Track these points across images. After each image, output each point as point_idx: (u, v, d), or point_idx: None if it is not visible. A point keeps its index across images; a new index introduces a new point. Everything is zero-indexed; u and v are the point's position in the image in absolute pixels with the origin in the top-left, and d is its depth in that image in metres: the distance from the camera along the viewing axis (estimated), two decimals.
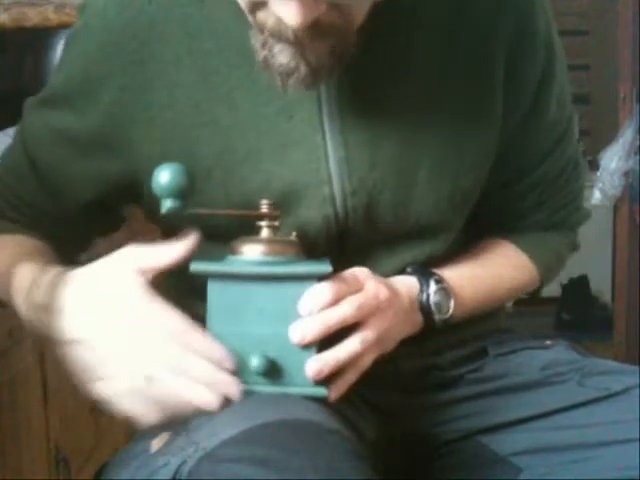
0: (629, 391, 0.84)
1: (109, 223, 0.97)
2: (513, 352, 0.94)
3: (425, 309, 0.84)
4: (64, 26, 2.61)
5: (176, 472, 0.65)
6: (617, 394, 0.84)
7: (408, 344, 0.82)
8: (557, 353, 0.94)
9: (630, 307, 3.38)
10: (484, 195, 0.90)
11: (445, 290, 0.85)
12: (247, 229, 0.76)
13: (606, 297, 4.52)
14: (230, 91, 0.80)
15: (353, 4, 0.70)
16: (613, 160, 3.23)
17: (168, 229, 0.94)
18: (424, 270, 0.86)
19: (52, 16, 2.70)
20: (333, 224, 0.82)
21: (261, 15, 0.70)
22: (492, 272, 0.93)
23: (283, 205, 0.79)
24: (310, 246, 0.78)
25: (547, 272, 0.98)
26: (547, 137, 0.92)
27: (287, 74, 0.71)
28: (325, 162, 0.80)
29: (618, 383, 0.85)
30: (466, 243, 0.94)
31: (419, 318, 0.84)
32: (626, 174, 3.24)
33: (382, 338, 0.75)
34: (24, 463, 1.48)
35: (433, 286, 0.84)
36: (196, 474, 0.63)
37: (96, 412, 1.86)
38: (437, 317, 0.84)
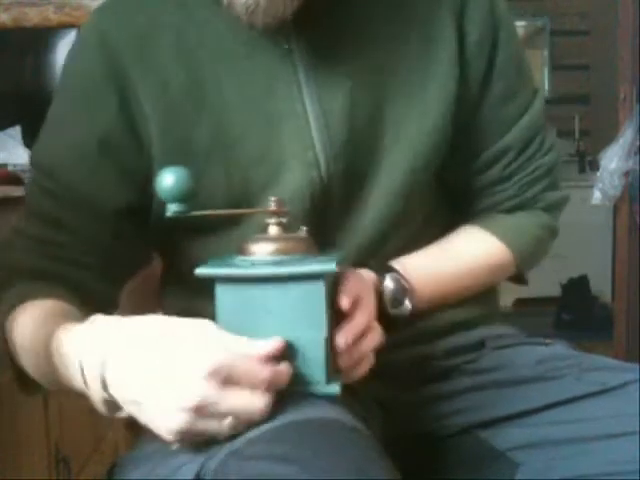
0: (626, 386, 0.84)
1: (137, 254, 0.95)
2: (510, 346, 0.95)
3: (381, 303, 0.85)
4: (64, 26, 2.63)
5: (200, 470, 0.66)
6: (614, 389, 0.84)
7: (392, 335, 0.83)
8: (555, 349, 0.94)
9: (630, 307, 3.38)
10: (452, 168, 0.93)
11: (401, 286, 0.87)
12: (249, 221, 0.83)
13: (606, 297, 4.53)
14: (218, 81, 0.86)
15: None
16: (613, 160, 3.23)
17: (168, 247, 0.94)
18: (384, 265, 0.88)
19: (52, 16, 2.71)
20: (318, 186, 0.86)
21: None
22: (459, 260, 0.94)
23: (274, 173, 0.85)
24: (297, 213, 0.82)
25: (523, 255, 0.97)
26: (509, 106, 0.94)
27: (249, 10, 0.80)
28: (308, 131, 0.86)
29: (615, 378, 0.85)
30: (442, 231, 0.96)
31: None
32: (626, 174, 3.24)
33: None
34: (24, 463, 1.49)
35: (389, 281, 0.86)
36: (222, 472, 0.64)
37: (96, 412, 1.85)
38: (392, 312, 0.86)
